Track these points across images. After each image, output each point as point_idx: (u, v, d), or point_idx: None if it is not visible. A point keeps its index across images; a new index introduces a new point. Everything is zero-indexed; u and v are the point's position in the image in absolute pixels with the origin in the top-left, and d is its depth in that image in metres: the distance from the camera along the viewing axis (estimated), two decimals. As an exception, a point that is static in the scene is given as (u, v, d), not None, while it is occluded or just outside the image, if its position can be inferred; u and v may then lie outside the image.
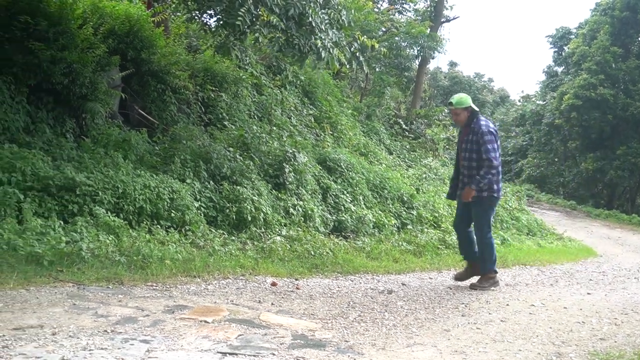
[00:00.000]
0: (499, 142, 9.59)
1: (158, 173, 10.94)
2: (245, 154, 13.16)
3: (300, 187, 13.27)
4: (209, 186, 11.51)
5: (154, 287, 7.67)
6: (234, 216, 11.11)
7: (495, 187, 9.43)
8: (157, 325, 5.85)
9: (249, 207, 11.24)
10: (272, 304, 7.41)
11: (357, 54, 13.49)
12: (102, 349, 4.97)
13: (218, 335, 5.67)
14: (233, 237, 10.64)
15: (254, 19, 11.07)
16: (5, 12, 11.43)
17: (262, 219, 11.38)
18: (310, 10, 11.33)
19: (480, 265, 9.79)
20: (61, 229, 8.72)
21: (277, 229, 11.51)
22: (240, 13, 10.74)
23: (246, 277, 8.92)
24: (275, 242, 10.70)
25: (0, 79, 10.98)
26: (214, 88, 15.38)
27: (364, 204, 14.41)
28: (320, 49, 11.70)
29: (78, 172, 9.80)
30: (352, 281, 9.74)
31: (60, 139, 11.24)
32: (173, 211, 10.21)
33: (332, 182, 14.44)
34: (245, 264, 9.44)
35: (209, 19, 14.25)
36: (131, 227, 9.57)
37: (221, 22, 11.80)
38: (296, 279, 9.29)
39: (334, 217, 13.28)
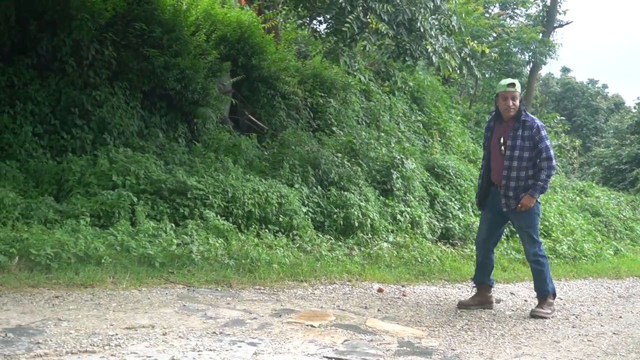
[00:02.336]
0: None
1: (267, 178, 11.05)
2: (353, 159, 13.16)
3: (407, 194, 13.19)
4: (316, 191, 11.56)
5: (262, 291, 7.74)
6: (341, 222, 11.12)
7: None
8: (265, 328, 5.89)
9: (356, 212, 11.23)
10: (379, 310, 7.38)
11: (468, 59, 13.35)
12: (210, 350, 5.04)
13: (324, 340, 5.67)
14: (340, 243, 10.65)
15: (363, 26, 11.08)
16: (122, 19, 11.77)
17: (369, 225, 11.35)
18: (420, 16, 11.27)
19: (538, 287, 8.02)
20: (172, 231, 8.91)
21: (384, 235, 11.46)
22: (349, 20, 10.77)
23: (353, 282, 8.91)
24: (382, 248, 10.66)
25: (116, 85, 11.31)
26: (322, 94, 15.46)
27: (472, 211, 14.22)
28: (431, 54, 11.62)
29: (189, 176, 9.99)
30: (459, 289, 9.62)
31: (172, 144, 11.49)
32: (281, 216, 10.29)
33: (440, 189, 14.31)
34: (352, 269, 9.43)
35: (319, 26, 14.35)
36: (240, 230, 9.69)
37: (331, 29, 11.87)
38: (403, 286, 9.23)
39: (441, 224, 13.16)
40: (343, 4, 10.94)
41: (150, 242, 8.35)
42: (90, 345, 4.90)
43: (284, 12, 15.75)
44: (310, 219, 10.90)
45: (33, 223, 8.30)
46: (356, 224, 11.14)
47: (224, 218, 9.65)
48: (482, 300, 8.20)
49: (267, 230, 9.97)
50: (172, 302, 6.62)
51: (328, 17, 11.82)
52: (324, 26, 13.29)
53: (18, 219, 8.37)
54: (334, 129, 14.80)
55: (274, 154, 12.31)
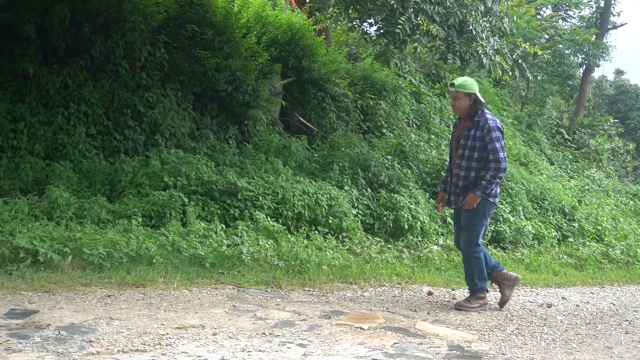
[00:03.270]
0: (503, 143, 7.76)
1: (317, 179, 11.07)
2: (403, 162, 13.13)
3: (457, 197, 13.09)
4: (366, 193, 11.54)
5: (311, 292, 7.75)
6: (391, 224, 11.09)
7: (493, 191, 7.66)
8: (314, 329, 5.90)
9: (406, 215, 11.19)
10: (428, 313, 7.34)
11: (520, 61, 13.23)
12: (260, 351, 5.06)
13: (373, 342, 5.66)
14: (389, 245, 10.61)
15: (414, 28, 11.04)
16: (174, 21, 11.88)
17: (419, 228, 11.30)
18: (472, 19, 11.20)
19: (467, 281, 7.99)
20: (223, 232, 8.97)
21: (434, 238, 11.40)
22: (400, 22, 10.74)
23: (402, 285, 8.87)
24: (432, 251, 10.60)
25: (168, 86, 11.42)
26: (372, 96, 15.45)
27: (524, 214, 14.07)
28: (482, 56, 11.54)
29: (240, 178, 10.04)
30: (510, 293, 9.53)
31: (223, 145, 11.58)
32: (331, 217, 10.29)
33: (491, 192, 14.16)
34: (401, 272, 9.39)
35: (369, 28, 14.35)
36: (290, 232, 9.72)
37: (381, 31, 11.84)
38: (453, 289, 9.17)
39: (492, 228, 13.04)
40: (394, 5, 10.91)
41: (200, 243, 8.41)
42: (142, 344, 4.95)
43: (334, 14, 15.75)
44: (359, 221, 10.88)
45: (86, 223, 8.42)
46: (406, 227, 11.10)
47: (273, 219, 9.68)
48: (507, 283, 8.08)
49: (316, 232, 9.99)
50: (222, 303, 6.66)
51: (379, 19, 11.79)
52: (374, 28, 13.30)
53: (72, 218, 8.50)
54: (384, 131, 14.78)
55: (323, 155, 12.32)
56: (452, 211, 8.45)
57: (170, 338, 5.17)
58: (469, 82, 7.76)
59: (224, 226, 9.19)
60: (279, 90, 13.76)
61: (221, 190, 9.71)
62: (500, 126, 7.68)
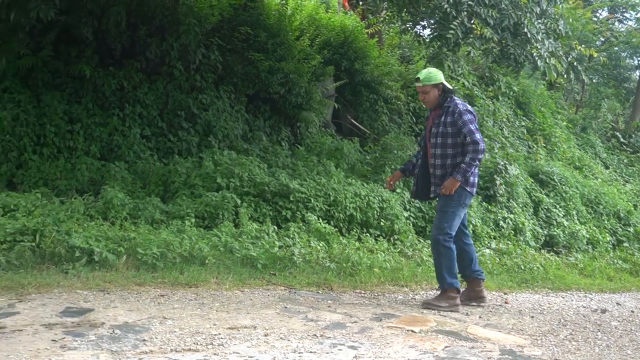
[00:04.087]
0: (477, 125, 7.44)
1: (368, 182, 11.05)
2: (455, 165, 13.03)
3: (510, 200, 12.99)
4: (418, 196, 11.50)
5: (362, 295, 7.74)
6: (443, 227, 11.02)
7: (471, 179, 7.38)
8: (365, 332, 5.89)
9: (457, 218, 11.11)
10: (480, 317, 7.29)
11: (575, 63, 13.08)
12: (311, 352, 5.06)
13: (425, 346, 5.63)
14: (441, 248, 10.55)
15: (467, 31, 10.98)
16: (227, 24, 11.98)
17: (471, 231, 11.22)
18: (526, 21, 11.10)
19: (437, 277, 7.54)
20: (275, 233, 9.00)
21: (487, 242, 11.33)
22: (453, 25, 10.68)
23: (454, 288, 8.82)
24: (484, 254, 10.52)
25: (222, 88, 11.51)
26: (425, 98, 15.38)
27: (578, 219, 13.91)
28: (537, 59, 11.43)
29: (292, 179, 10.08)
30: (563, 298, 9.42)
31: (275, 147, 11.63)
32: (382, 220, 10.28)
33: (544, 196, 14.03)
34: (453, 275, 9.34)
35: (422, 30, 14.29)
36: (341, 234, 9.72)
37: (434, 34, 11.79)
38: (505, 293, 9.09)
39: (545, 232, 12.91)
40: (447, 9, 10.85)
41: (253, 244, 8.46)
42: (194, 343, 4.99)
43: (387, 16, 15.73)
44: (411, 224, 10.85)
45: (140, 223, 8.52)
46: (458, 230, 11.03)
47: (325, 221, 9.70)
48: (470, 295, 7.81)
49: (368, 234, 9.98)
50: (273, 304, 6.68)
51: (432, 21, 11.76)
52: (427, 31, 13.26)
53: (126, 218, 8.62)
54: (436, 134, 14.69)
55: (375, 158, 12.29)
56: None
57: (222, 338, 5.20)
58: (433, 73, 7.54)
59: (275, 227, 9.23)
60: (332, 92, 13.78)
61: (273, 191, 9.76)
62: (470, 110, 7.42)
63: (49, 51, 10.45)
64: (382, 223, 10.25)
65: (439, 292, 7.62)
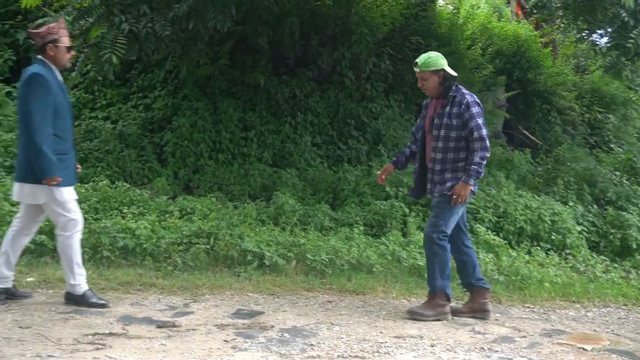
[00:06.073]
0: (484, 120, 6.71)
1: (540, 194, 10.80)
2: (632, 178, 12.54)
3: None
4: (592, 210, 11.12)
5: (532, 309, 7.56)
6: (618, 243, 10.61)
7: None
8: (534, 347, 5.75)
9: (634, 234, 10.65)
10: (657, 338, 6.98)
11: None
12: (478, 365, 5.01)
13: (597, 365, 5.46)
14: (615, 265, 10.14)
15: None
16: (399, 33, 12.02)
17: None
18: None
19: (429, 282, 6.68)
20: (444, 244, 8.92)
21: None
22: (633, 34, 10.29)
23: (629, 307, 8.45)
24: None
25: (392, 97, 11.57)
26: (601, 109, 14.91)
27: None
28: None
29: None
30: None
31: (444, 157, 11.53)
32: (554, 234, 10.00)
33: None
34: (628, 293, 8.95)
35: (599, 39, 13.85)
36: (511, 246, 9.53)
37: (612, 43, 11.39)
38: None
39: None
40: (626, 18, 10.46)
41: (420, 254, 8.40)
42: (360, 350, 5.03)
43: (562, 25, 15.36)
44: (584, 239, 10.49)
45: (310, 229, 8.67)
46: (634, 246, 10.58)
47: (494, 233, 9.54)
48: (474, 307, 6.82)
49: (538, 248, 9.73)
50: (440, 315, 6.63)
51: (609, 30, 11.37)
52: (604, 40, 12.82)
53: (296, 224, 8.78)
54: (612, 145, 14.21)
55: (547, 170, 12.01)
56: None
57: (388, 347, 5.21)
58: (433, 58, 6.75)
59: (444, 239, 9.16)
60: (503, 102, 13.59)
61: (441, 202, 9.69)
62: (479, 102, 6.67)
63: (225, 60, 10.82)
64: (553, 237, 9.97)
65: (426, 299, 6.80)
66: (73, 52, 6.36)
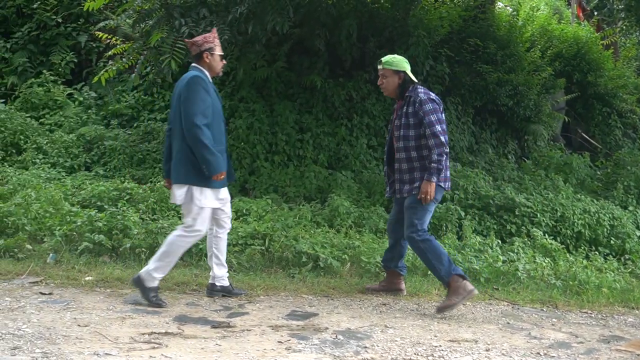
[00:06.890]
0: (443, 117, 6.76)
1: (599, 198, 10.66)
2: (695, 183, 12.30)
3: None
4: (652, 215, 10.95)
5: (589, 315, 7.45)
6: (680, 248, 10.42)
7: (443, 174, 6.67)
8: (592, 353, 5.67)
9: (699, 241, 10.45)
10: None
11: None
12: (533, 370, 4.96)
13: (654, 373, 5.37)
14: (679, 271, 9.98)
15: None
16: (456, 36, 11.96)
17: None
18: None
19: (433, 273, 6.93)
20: (498, 247, 8.85)
21: None
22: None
23: (690, 314, 8.31)
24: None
25: (449, 100, 11.50)
26: (663, 113, 14.67)
27: None
28: None
29: (518, 193, 9.90)
30: None
31: (501, 160, 11.48)
32: (612, 238, 9.85)
33: None
34: (691, 300, 8.79)
35: (662, 41, 13.63)
36: (568, 251, 9.41)
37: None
38: None
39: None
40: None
41: (475, 257, 8.36)
42: (414, 354, 5.01)
43: (624, 27, 15.13)
44: (644, 244, 10.33)
45: (364, 231, 8.67)
46: (700, 254, 10.38)
47: (551, 237, 9.43)
48: (388, 286, 7.21)
49: (596, 253, 9.58)
50: (495, 319, 6.58)
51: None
52: (667, 42, 12.61)
53: (351, 227, 8.79)
54: (676, 150, 13.96)
55: (607, 174, 11.84)
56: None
57: (442, 350, 5.18)
58: (397, 59, 6.89)
59: (499, 241, 9.07)
60: (562, 105, 13.43)
61: (498, 205, 9.62)
62: (435, 98, 6.75)
63: (282, 62, 10.87)
64: (612, 241, 9.83)
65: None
66: (225, 61, 6.53)
